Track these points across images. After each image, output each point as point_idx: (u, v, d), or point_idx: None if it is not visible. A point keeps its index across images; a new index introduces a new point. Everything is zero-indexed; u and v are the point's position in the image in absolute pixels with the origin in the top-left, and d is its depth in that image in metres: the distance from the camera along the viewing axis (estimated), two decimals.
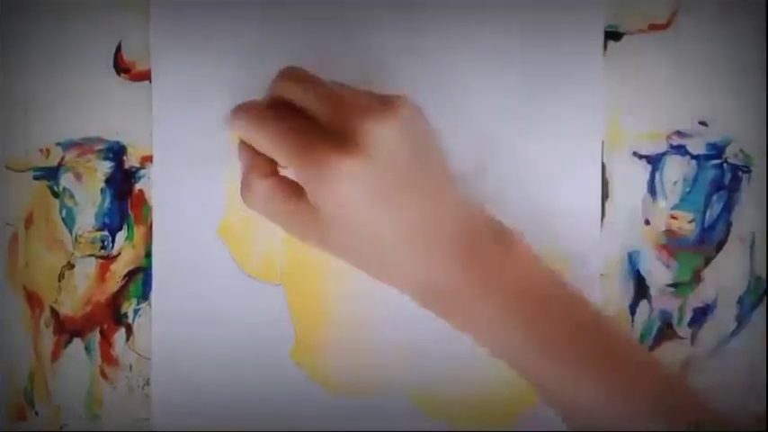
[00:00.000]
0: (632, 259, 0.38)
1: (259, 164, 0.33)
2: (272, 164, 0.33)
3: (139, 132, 0.37)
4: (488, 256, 0.32)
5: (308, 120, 0.31)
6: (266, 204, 0.33)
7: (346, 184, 0.30)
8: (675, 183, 0.38)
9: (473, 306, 0.32)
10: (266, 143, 0.32)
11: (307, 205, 0.32)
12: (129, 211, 0.38)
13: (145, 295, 0.38)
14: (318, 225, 0.32)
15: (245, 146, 0.34)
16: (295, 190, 0.32)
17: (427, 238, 0.31)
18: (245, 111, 0.33)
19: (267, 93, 0.33)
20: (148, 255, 0.37)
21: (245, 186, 0.33)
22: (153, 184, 0.37)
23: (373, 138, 0.30)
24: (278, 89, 0.33)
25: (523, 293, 0.32)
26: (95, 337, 0.38)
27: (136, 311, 0.38)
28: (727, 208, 0.38)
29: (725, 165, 0.38)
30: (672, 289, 0.39)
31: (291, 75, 0.33)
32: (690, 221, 0.38)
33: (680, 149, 0.38)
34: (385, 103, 0.31)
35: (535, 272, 0.33)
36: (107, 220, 0.38)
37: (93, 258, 0.38)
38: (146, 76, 0.37)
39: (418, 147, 0.31)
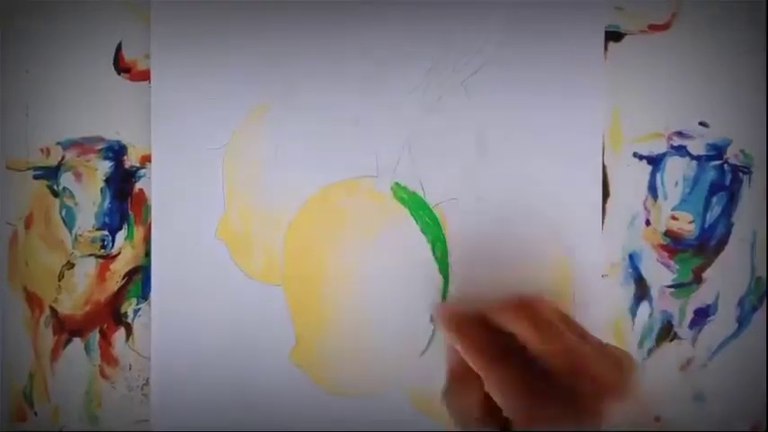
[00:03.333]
0: (633, 260, 0.38)
1: (467, 374, 0.31)
2: (480, 379, 0.31)
3: (139, 132, 0.37)
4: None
5: (536, 367, 0.29)
6: (470, 415, 0.31)
7: None
8: (676, 183, 0.38)
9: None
10: (486, 376, 0.30)
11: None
12: (129, 211, 0.38)
13: (144, 295, 0.38)
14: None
15: (454, 352, 0.32)
16: (496, 415, 0.30)
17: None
18: (464, 323, 0.31)
19: (502, 317, 0.31)
20: (148, 254, 0.37)
21: (449, 391, 0.32)
22: (152, 184, 0.37)
23: (611, 415, 0.28)
24: (515, 324, 0.30)
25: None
26: (95, 336, 0.38)
27: (135, 311, 0.38)
28: (728, 209, 0.38)
29: (725, 165, 0.38)
30: (672, 290, 0.38)
31: (529, 312, 0.31)
32: (690, 222, 0.38)
33: (680, 150, 0.38)
34: (622, 370, 0.29)
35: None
36: (107, 220, 0.38)
37: (92, 258, 0.38)
38: (146, 76, 0.37)
39: (639, 414, 0.29)
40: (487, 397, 0.30)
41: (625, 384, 0.29)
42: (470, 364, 0.30)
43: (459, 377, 0.32)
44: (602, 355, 0.30)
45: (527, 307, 0.31)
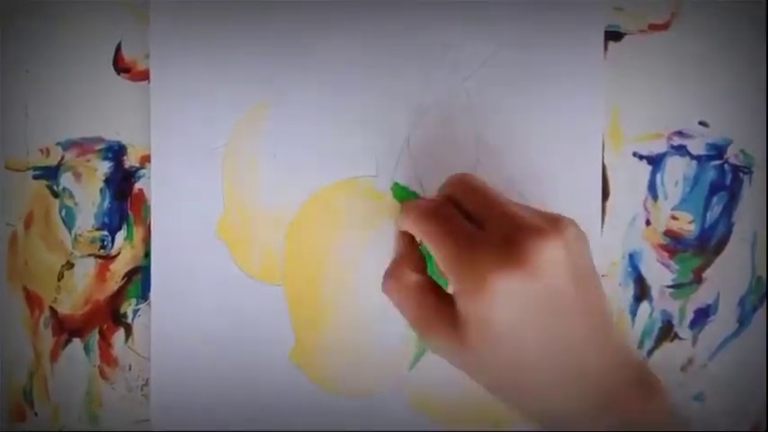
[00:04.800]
0: (633, 260, 0.38)
1: (415, 257, 0.33)
2: (423, 260, 0.33)
3: (139, 132, 0.37)
4: (628, 402, 0.30)
5: (474, 228, 0.30)
6: (408, 298, 0.32)
7: (502, 300, 0.29)
8: (676, 183, 0.38)
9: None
10: (430, 240, 0.31)
11: (448, 314, 0.31)
12: (129, 211, 0.38)
13: (144, 295, 0.38)
14: (456, 337, 0.31)
15: (404, 235, 0.34)
16: (438, 295, 0.32)
17: (571, 371, 0.30)
18: (417, 205, 0.32)
19: (440, 191, 0.33)
20: (148, 255, 0.37)
21: (392, 273, 0.33)
22: (152, 184, 0.37)
23: (538, 256, 0.29)
24: (450, 191, 0.33)
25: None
26: (95, 337, 0.38)
27: (135, 311, 0.38)
28: (728, 208, 0.38)
29: (725, 165, 0.38)
30: (672, 290, 0.38)
31: (468, 182, 0.32)
32: (690, 222, 0.38)
33: (680, 150, 0.38)
34: (554, 225, 0.30)
35: (670, 424, 0.30)
36: (106, 220, 0.38)
37: (92, 258, 0.38)
38: (146, 76, 0.37)
39: (578, 272, 0.30)
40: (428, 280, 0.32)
41: (554, 229, 0.29)
42: (430, 243, 0.31)
43: (405, 257, 0.33)
44: (531, 210, 0.31)
45: (462, 179, 0.33)
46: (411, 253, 0.33)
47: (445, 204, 0.32)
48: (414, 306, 0.32)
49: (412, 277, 0.32)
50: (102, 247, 0.38)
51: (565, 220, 0.30)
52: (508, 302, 0.29)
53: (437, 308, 0.31)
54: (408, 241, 0.34)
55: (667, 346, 0.39)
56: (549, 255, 0.29)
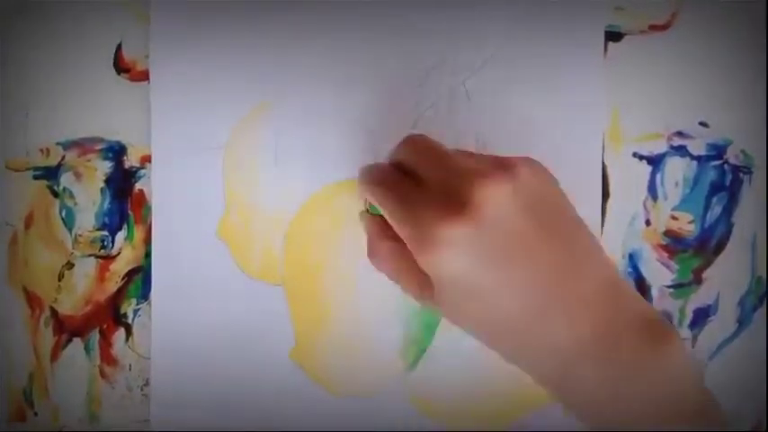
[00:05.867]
0: (633, 260, 0.38)
1: (381, 226, 0.32)
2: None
3: (140, 132, 0.37)
4: (635, 353, 0.28)
5: (424, 187, 0.30)
6: (387, 265, 0.32)
7: (449, 251, 0.28)
8: (676, 183, 0.38)
9: (604, 405, 0.28)
10: (383, 206, 0.31)
11: (419, 273, 0.30)
12: (129, 211, 0.38)
13: (144, 295, 0.38)
14: (429, 297, 0.30)
15: (365, 214, 0.34)
16: (411, 256, 0.31)
17: (557, 319, 0.28)
18: (369, 172, 0.32)
19: (391, 155, 0.33)
20: (148, 255, 0.37)
21: (369, 248, 0.33)
22: (152, 185, 0.37)
23: (480, 203, 0.28)
24: (400, 154, 0.32)
25: (666, 401, 0.28)
26: (95, 337, 0.38)
27: (135, 311, 0.38)
28: (728, 209, 0.38)
29: (725, 165, 0.38)
30: (672, 290, 0.38)
31: (414, 142, 0.32)
32: (690, 222, 0.38)
33: (680, 150, 0.38)
34: (499, 166, 0.29)
35: (685, 378, 0.28)
36: (107, 220, 0.38)
37: (92, 258, 0.38)
38: (146, 77, 0.37)
39: (538, 209, 0.29)
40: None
41: (500, 171, 0.29)
42: (383, 212, 0.31)
43: (375, 232, 0.33)
44: (480, 158, 0.30)
45: (410, 141, 0.32)
46: (378, 222, 0.33)
47: (390, 168, 0.32)
48: (393, 271, 0.32)
49: (384, 245, 0.32)
50: (103, 247, 0.38)
51: (516, 159, 0.29)
52: (458, 253, 0.28)
53: (409, 269, 0.31)
54: (370, 218, 0.34)
55: None
56: (493, 197, 0.28)
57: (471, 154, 0.31)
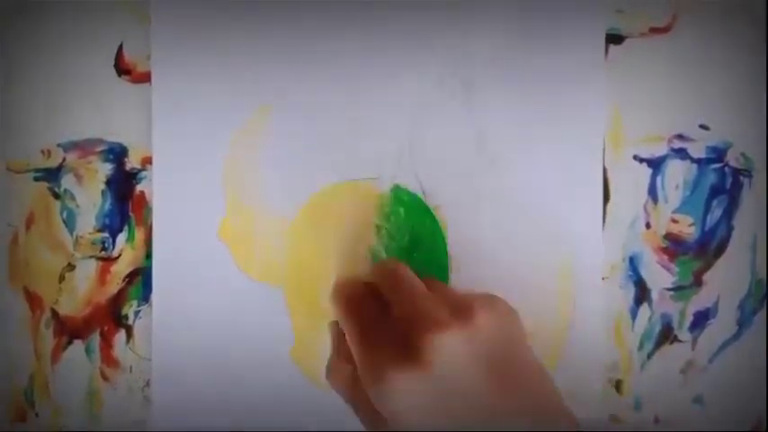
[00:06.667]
0: (633, 263, 0.38)
1: (345, 348, 0.32)
2: None
3: (141, 134, 0.37)
4: None
5: (388, 318, 0.31)
6: (344, 389, 0.33)
7: (400, 397, 0.29)
8: (676, 186, 0.38)
9: None
10: (346, 330, 0.31)
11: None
12: (130, 213, 0.38)
13: (145, 297, 0.38)
14: (385, 424, 0.30)
15: (334, 325, 0.34)
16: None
17: None
18: (343, 288, 0.33)
19: (368, 274, 0.33)
20: (149, 256, 0.37)
21: (329, 367, 0.33)
22: (153, 186, 0.37)
23: (434, 351, 0.28)
24: (376, 277, 0.33)
25: None
26: (96, 338, 0.38)
27: (136, 313, 0.38)
28: (728, 211, 0.38)
29: (726, 168, 0.38)
30: (672, 293, 0.39)
31: (389, 270, 0.33)
32: (691, 225, 0.38)
33: (681, 153, 0.38)
34: (459, 311, 0.30)
35: None
36: (108, 222, 0.38)
37: (93, 260, 0.38)
38: (147, 78, 0.37)
39: (488, 359, 0.29)
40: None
41: (458, 320, 0.29)
42: (346, 333, 0.31)
43: (338, 350, 0.34)
44: (445, 299, 0.31)
45: (385, 265, 0.33)
46: (342, 343, 0.33)
47: (359, 288, 0.32)
48: (348, 397, 0.33)
49: (346, 369, 0.32)
50: (104, 248, 0.38)
51: (476, 303, 0.30)
52: (405, 398, 0.29)
53: (365, 398, 0.31)
54: (338, 332, 0.34)
55: (667, 349, 0.39)
56: (447, 348, 0.29)
57: (441, 290, 0.32)
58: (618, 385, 0.38)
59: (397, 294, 0.31)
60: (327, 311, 0.37)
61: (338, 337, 0.34)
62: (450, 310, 0.30)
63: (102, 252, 0.38)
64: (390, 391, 0.29)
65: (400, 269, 0.33)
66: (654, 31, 0.38)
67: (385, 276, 0.32)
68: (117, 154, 0.37)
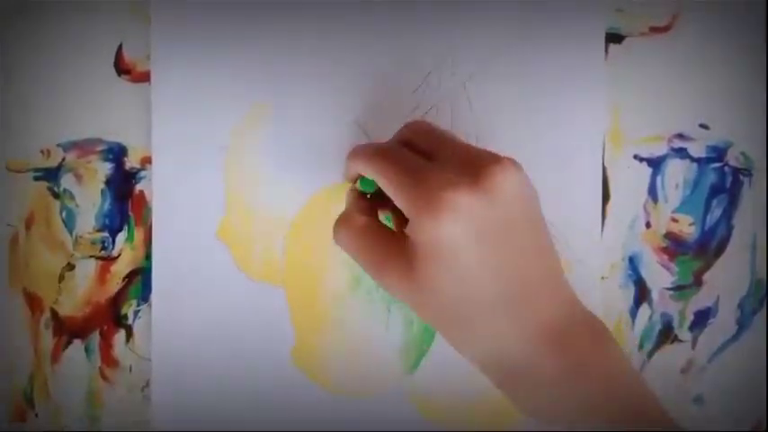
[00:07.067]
0: (633, 262, 0.38)
1: (363, 204, 0.33)
2: (374, 208, 0.33)
3: (140, 133, 0.37)
4: (581, 349, 0.29)
5: (432, 160, 0.30)
6: (358, 240, 0.32)
7: (452, 215, 0.28)
8: (676, 186, 0.38)
9: (551, 394, 0.29)
10: (383, 174, 0.30)
11: (398, 250, 0.30)
12: (130, 213, 0.38)
13: (145, 297, 0.38)
14: (405, 272, 0.30)
15: (352, 190, 0.34)
16: (388, 235, 0.31)
17: (523, 307, 0.29)
18: (368, 147, 0.32)
19: (393, 137, 0.33)
20: (149, 256, 0.37)
21: (342, 220, 0.33)
22: (153, 186, 0.37)
23: (497, 180, 0.28)
24: (402, 134, 0.33)
25: (608, 393, 0.29)
26: (95, 338, 0.38)
27: (136, 313, 0.38)
28: (728, 211, 0.38)
29: (726, 168, 0.38)
30: (672, 292, 0.39)
31: (418, 123, 0.33)
32: (690, 224, 0.38)
33: (681, 152, 0.38)
34: (507, 157, 0.30)
35: (624, 372, 0.30)
36: (107, 222, 0.38)
37: (93, 260, 0.38)
38: (146, 78, 0.37)
39: (531, 210, 0.30)
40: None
41: (513, 162, 0.30)
42: (383, 181, 0.31)
43: (354, 206, 0.33)
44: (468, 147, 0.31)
45: (414, 122, 0.33)
46: (359, 202, 0.33)
47: (396, 144, 0.32)
48: (364, 247, 0.31)
49: (360, 220, 0.32)
50: (103, 248, 0.38)
51: (512, 160, 0.30)
52: (460, 218, 0.28)
53: (387, 246, 0.31)
54: (357, 194, 0.33)
55: (667, 349, 0.39)
56: (508, 183, 0.29)
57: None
58: None
59: (439, 141, 0.31)
60: (328, 312, 0.37)
61: (355, 197, 0.33)
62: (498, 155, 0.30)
63: (102, 252, 0.38)
64: (446, 214, 0.28)
65: (429, 122, 0.33)
66: (654, 30, 0.38)
67: (419, 130, 0.32)
68: (116, 154, 0.37)
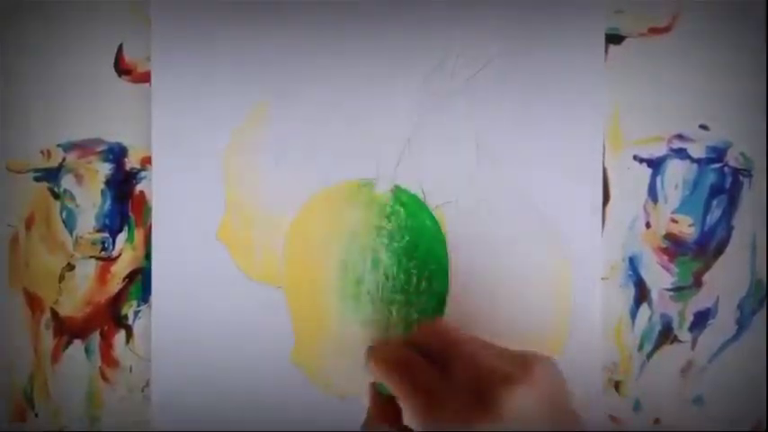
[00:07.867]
0: (633, 263, 0.38)
1: (387, 410, 0.32)
2: (399, 411, 0.32)
3: (140, 134, 0.37)
4: None
5: (442, 375, 0.31)
6: None
7: None
8: (676, 186, 0.38)
9: None
10: (398, 393, 0.31)
11: None
12: (130, 213, 0.38)
13: (145, 297, 0.38)
14: None
15: (373, 386, 0.34)
16: None
17: None
18: (383, 353, 0.33)
19: (408, 335, 0.33)
20: (149, 256, 0.37)
21: (368, 426, 0.33)
22: (153, 186, 0.37)
23: (507, 404, 0.29)
24: (420, 336, 0.33)
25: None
26: (95, 338, 0.38)
27: (136, 313, 0.38)
28: (728, 211, 0.38)
29: (725, 168, 0.38)
30: (672, 293, 0.39)
31: (436, 326, 0.33)
32: (690, 225, 0.38)
33: (681, 153, 0.38)
34: (522, 365, 0.30)
35: None
36: (107, 222, 0.38)
37: (93, 260, 0.38)
38: (147, 78, 0.37)
39: (552, 410, 0.30)
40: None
41: (524, 373, 0.29)
42: (399, 396, 0.31)
43: (378, 412, 0.33)
44: (501, 354, 0.31)
45: (434, 329, 0.33)
46: (383, 404, 0.33)
47: (407, 352, 0.32)
48: None
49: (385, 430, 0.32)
50: (103, 248, 0.38)
51: (535, 358, 0.30)
52: None
53: None
54: (375, 394, 0.34)
55: (667, 349, 0.39)
56: (519, 401, 0.29)
57: (488, 345, 0.32)
58: (618, 386, 0.38)
59: (444, 346, 0.31)
60: (327, 312, 0.37)
61: (377, 399, 0.33)
62: (510, 361, 0.30)
63: (102, 252, 0.38)
64: None
65: (449, 328, 0.33)
66: (654, 31, 0.38)
67: (435, 337, 0.32)
68: (117, 154, 0.37)
